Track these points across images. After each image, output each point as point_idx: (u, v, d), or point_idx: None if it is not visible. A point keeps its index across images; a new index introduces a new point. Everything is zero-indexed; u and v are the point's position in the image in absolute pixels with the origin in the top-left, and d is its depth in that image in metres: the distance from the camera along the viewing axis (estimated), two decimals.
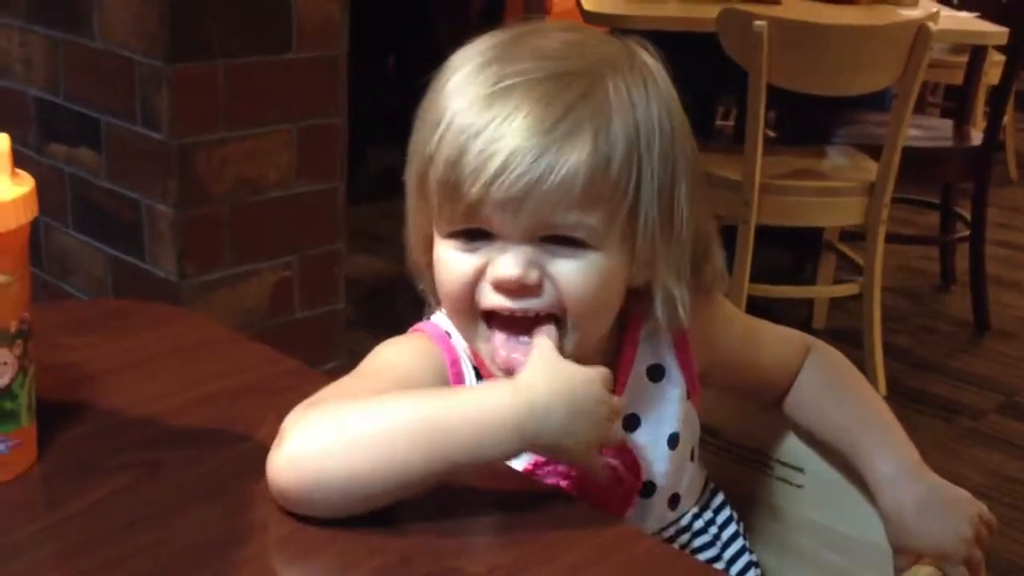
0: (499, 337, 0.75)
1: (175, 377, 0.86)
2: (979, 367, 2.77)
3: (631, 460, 0.82)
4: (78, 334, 0.91)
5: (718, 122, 3.74)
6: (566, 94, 0.71)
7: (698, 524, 0.88)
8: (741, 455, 0.94)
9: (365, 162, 3.39)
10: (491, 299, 0.74)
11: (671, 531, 0.85)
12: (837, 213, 2.54)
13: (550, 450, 0.72)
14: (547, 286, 0.73)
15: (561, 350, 0.73)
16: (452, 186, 0.72)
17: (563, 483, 0.80)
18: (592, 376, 0.71)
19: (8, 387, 0.70)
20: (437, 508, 0.70)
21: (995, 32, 2.75)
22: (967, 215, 2.98)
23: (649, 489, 0.83)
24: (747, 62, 2.35)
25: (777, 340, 0.92)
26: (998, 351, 2.87)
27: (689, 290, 0.78)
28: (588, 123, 0.71)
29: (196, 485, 0.72)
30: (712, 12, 2.43)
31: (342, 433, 0.67)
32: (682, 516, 0.86)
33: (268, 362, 0.89)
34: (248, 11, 1.79)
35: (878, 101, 3.15)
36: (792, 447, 0.93)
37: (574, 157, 0.70)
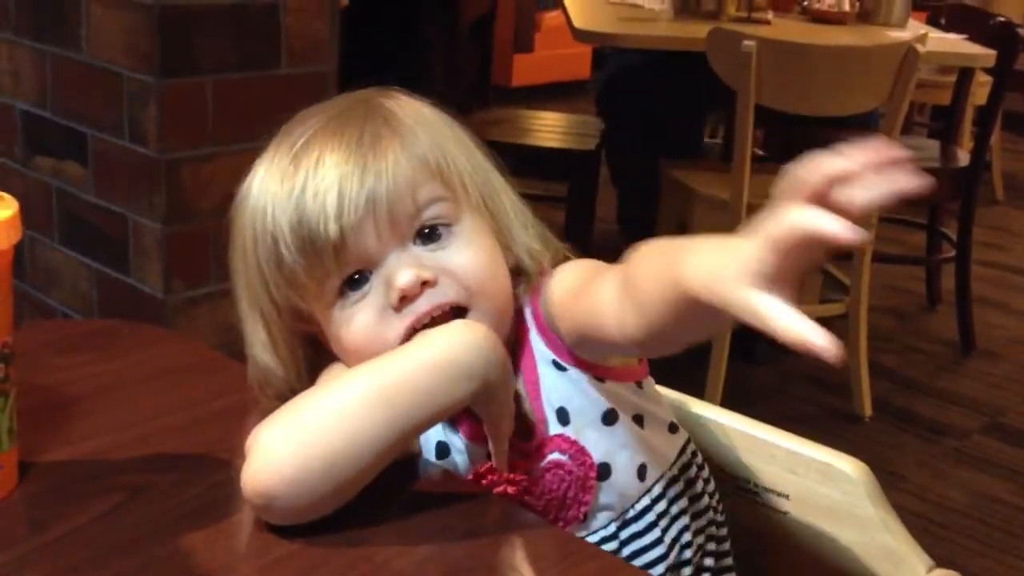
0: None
1: (160, 399, 0.85)
2: (965, 387, 2.78)
3: (577, 449, 0.82)
4: (63, 355, 0.91)
5: (706, 140, 3.75)
6: (353, 121, 0.78)
7: (673, 491, 0.86)
8: (729, 483, 0.93)
9: None
10: (403, 321, 0.76)
11: (645, 500, 0.84)
12: None
13: (490, 392, 0.74)
14: (441, 278, 0.77)
15: None
16: (309, 242, 0.76)
17: (510, 489, 0.81)
18: None
19: None
20: (417, 534, 0.70)
21: (982, 55, 2.77)
22: (953, 235, 2.99)
23: (605, 471, 0.83)
24: (735, 82, 2.36)
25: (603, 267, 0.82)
26: (984, 371, 2.88)
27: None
28: (384, 129, 0.78)
29: (180, 510, 0.72)
30: (702, 31, 2.44)
31: (307, 426, 0.71)
32: (655, 483, 0.85)
33: None
34: (237, 27, 1.79)
35: (866, 121, 3.17)
36: (777, 473, 0.93)
37: (391, 156, 0.77)
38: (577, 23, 2.73)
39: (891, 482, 2.28)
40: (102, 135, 1.85)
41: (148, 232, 1.81)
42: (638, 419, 0.85)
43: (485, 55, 3.99)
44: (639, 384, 0.86)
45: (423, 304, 0.76)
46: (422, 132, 0.80)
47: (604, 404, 0.83)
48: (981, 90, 3.21)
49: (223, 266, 1.86)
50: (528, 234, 0.84)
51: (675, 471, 0.87)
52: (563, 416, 0.83)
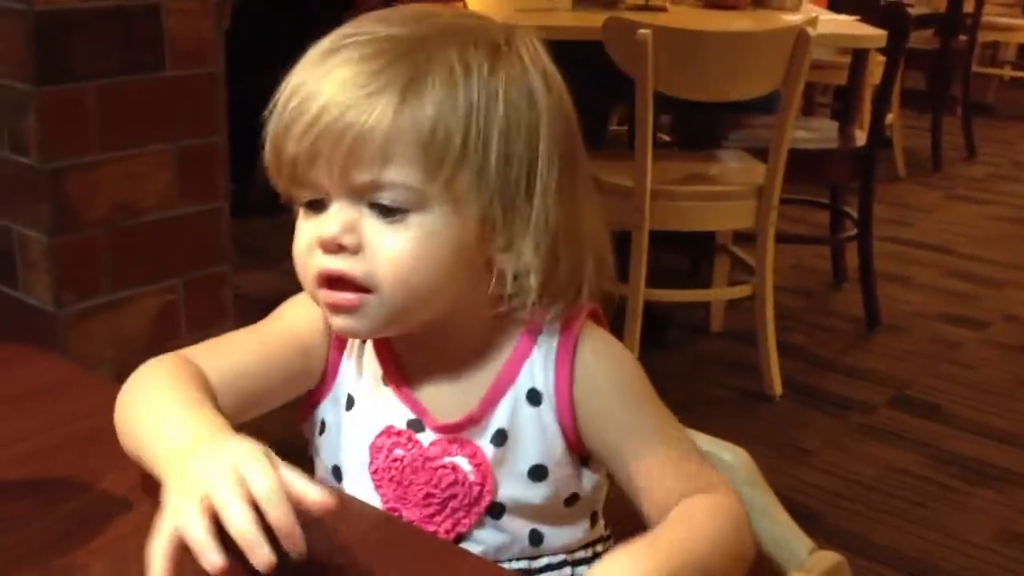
0: (324, 296, 0.77)
1: (18, 423, 0.82)
2: (871, 362, 2.83)
3: (484, 471, 0.81)
4: None
5: (615, 128, 3.77)
6: (385, 55, 0.73)
7: (564, 572, 0.85)
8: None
9: (254, 175, 3.33)
10: (319, 261, 0.75)
11: (530, 566, 0.84)
12: (727, 217, 2.58)
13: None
14: (367, 251, 0.74)
15: (372, 322, 0.76)
16: (279, 151, 0.75)
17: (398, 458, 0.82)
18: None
19: None
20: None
21: (873, 35, 2.82)
22: (855, 213, 3.04)
23: (498, 510, 0.82)
24: (633, 70, 2.36)
25: (675, 461, 0.81)
26: (889, 346, 2.94)
27: (571, 298, 0.80)
28: (397, 84, 0.72)
29: (37, 540, 0.69)
30: (600, 20, 2.45)
31: (123, 404, 0.78)
32: (544, 557, 0.84)
33: None
34: (118, 31, 1.74)
35: (769, 104, 3.21)
36: None
37: (375, 115, 0.71)
38: None
39: (801, 459, 2.32)
40: None
41: (34, 244, 1.75)
42: (571, 500, 0.84)
43: None
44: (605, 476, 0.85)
45: (337, 264, 0.74)
46: (448, 103, 0.72)
47: (540, 458, 0.81)
48: (879, 70, 3.27)
49: (116, 276, 1.83)
50: (531, 255, 0.77)
51: (576, 556, 0.86)
52: (499, 438, 0.81)
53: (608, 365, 0.83)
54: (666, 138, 3.37)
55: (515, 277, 0.77)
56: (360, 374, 0.85)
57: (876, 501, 2.21)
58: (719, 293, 2.89)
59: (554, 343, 0.82)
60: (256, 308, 0.92)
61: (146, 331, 1.88)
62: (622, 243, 2.45)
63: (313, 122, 0.72)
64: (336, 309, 0.76)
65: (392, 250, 0.74)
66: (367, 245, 0.74)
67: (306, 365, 0.85)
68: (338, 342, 0.86)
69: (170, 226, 1.88)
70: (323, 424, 0.87)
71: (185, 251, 1.92)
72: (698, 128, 3.14)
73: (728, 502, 0.80)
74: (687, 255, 3.32)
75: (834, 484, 2.26)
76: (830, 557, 0.86)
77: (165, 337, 1.90)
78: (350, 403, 0.85)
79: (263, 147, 0.77)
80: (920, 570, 1.99)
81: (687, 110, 3.06)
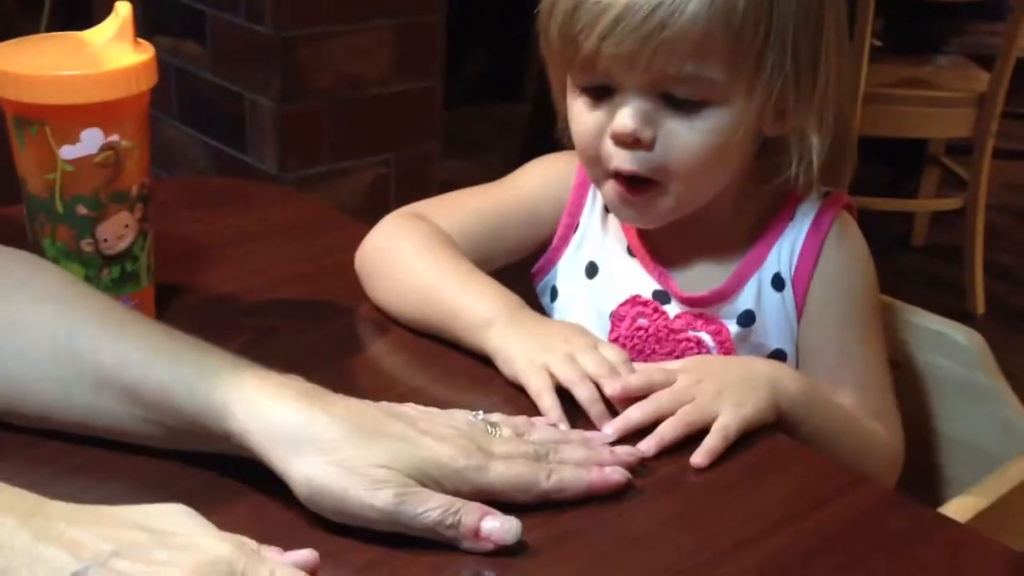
0: (612, 187, 0.77)
1: (286, 251, 0.89)
2: None
3: (725, 348, 0.81)
4: (193, 208, 0.94)
5: None
6: None
7: None
8: None
9: (463, 67, 3.38)
10: (613, 155, 0.75)
11: None
12: (944, 124, 2.47)
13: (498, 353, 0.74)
14: (660, 144, 0.73)
15: (658, 215, 0.78)
16: (569, 40, 0.72)
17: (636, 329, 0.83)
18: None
19: (129, 249, 0.73)
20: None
21: None
22: None
23: None
24: None
25: (862, 393, 0.80)
26: None
27: (823, 177, 0.78)
28: None
29: (310, 348, 0.75)
30: None
31: (387, 261, 0.80)
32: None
33: None
34: None
35: (992, 11, 3.02)
36: (889, 341, 0.92)
37: (690, 9, 0.69)
38: None
39: None
40: (220, 13, 1.88)
41: (264, 110, 1.84)
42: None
43: None
44: None
45: (632, 164, 0.74)
46: None
47: (783, 343, 0.81)
48: None
49: (336, 146, 1.91)
50: (816, 130, 0.76)
51: None
52: (746, 318, 0.81)
53: (849, 264, 0.81)
54: (877, 43, 3.23)
55: (792, 155, 0.76)
56: (604, 243, 0.85)
57: None
58: (928, 204, 2.78)
59: (805, 228, 0.81)
60: None
61: (359, 202, 1.96)
62: None
63: (620, 19, 0.69)
64: (625, 201, 0.77)
65: (688, 145, 0.73)
66: (661, 138, 0.73)
67: (538, 232, 0.87)
68: (574, 209, 0.86)
69: (387, 101, 1.94)
70: (555, 290, 0.88)
71: (399, 127, 1.98)
72: (913, 33, 3.00)
73: (886, 438, 0.79)
74: (892, 166, 3.20)
75: None
76: None
77: (375, 209, 1.97)
78: (592, 271, 0.85)
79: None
80: None
81: (901, 13, 2.92)
